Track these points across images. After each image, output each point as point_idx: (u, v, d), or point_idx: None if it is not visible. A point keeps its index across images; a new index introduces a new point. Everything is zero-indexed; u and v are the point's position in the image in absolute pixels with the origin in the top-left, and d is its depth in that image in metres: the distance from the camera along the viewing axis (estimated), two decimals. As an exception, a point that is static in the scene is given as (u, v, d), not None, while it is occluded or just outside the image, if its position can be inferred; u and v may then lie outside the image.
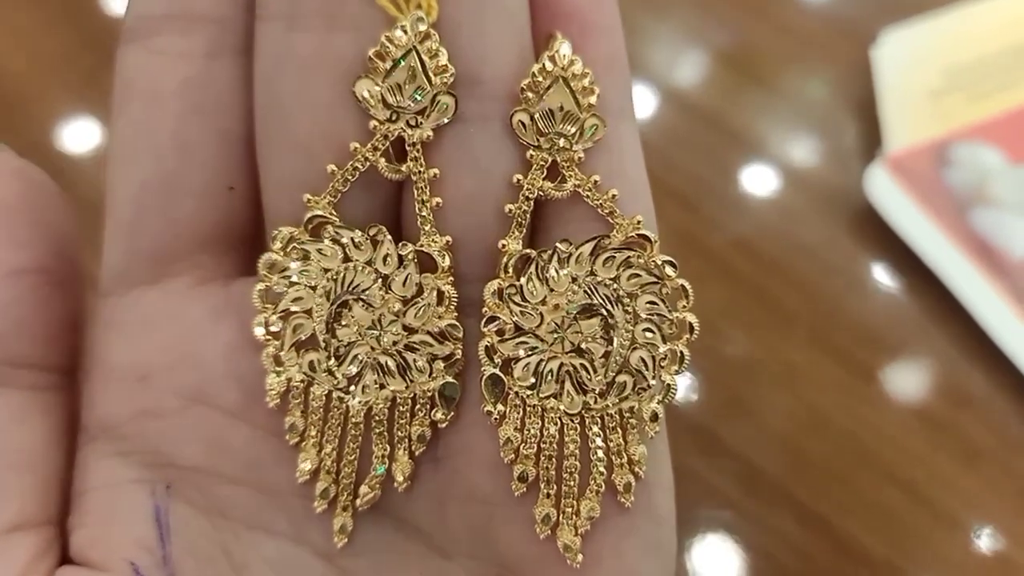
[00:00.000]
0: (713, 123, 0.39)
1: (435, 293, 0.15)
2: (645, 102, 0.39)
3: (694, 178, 0.38)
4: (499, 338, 0.16)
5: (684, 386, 0.31)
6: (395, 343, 0.16)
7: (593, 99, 0.15)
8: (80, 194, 0.38)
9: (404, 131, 0.15)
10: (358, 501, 0.16)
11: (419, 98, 0.15)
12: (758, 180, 0.38)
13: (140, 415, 0.16)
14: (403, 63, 0.15)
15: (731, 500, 0.31)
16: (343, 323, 0.16)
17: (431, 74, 0.15)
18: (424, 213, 0.15)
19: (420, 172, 0.15)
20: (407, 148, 0.15)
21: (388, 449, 0.16)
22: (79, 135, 0.40)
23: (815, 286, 0.35)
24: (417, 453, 0.16)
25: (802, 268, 0.35)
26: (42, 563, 0.16)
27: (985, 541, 0.30)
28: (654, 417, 0.16)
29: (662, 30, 0.42)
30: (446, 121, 0.15)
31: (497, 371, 0.16)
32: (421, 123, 0.15)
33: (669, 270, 0.16)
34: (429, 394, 0.16)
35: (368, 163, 0.15)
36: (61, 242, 0.16)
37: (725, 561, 0.30)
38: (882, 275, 0.35)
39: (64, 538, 0.16)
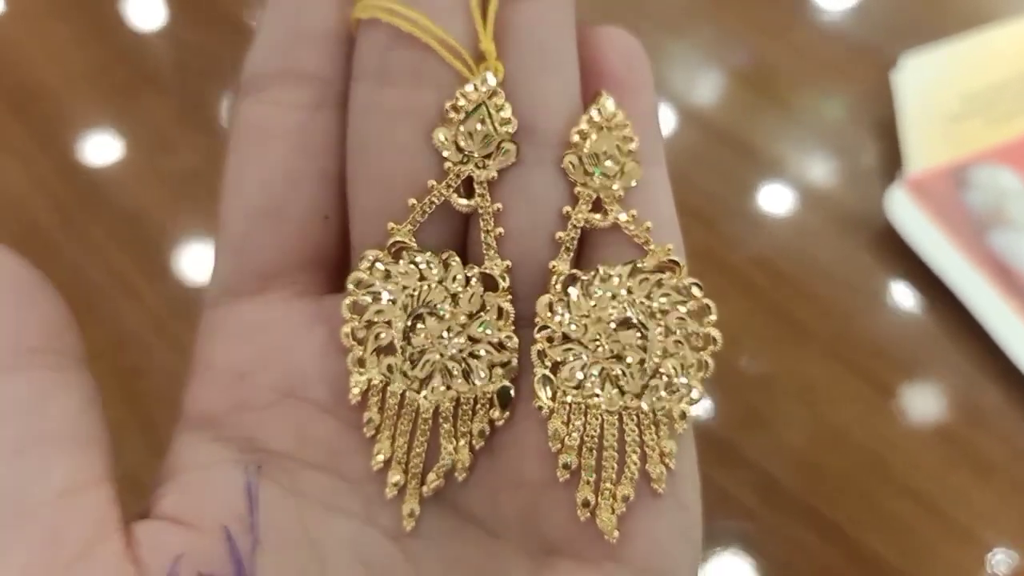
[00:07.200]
0: (732, 142, 0.42)
1: (496, 309, 0.19)
2: (665, 121, 0.42)
3: (713, 196, 0.41)
4: (549, 344, 0.19)
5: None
6: (461, 351, 0.19)
7: (632, 146, 0.19)
8: (111, 204, 0.41)
9: (473, 171, 0.19)
10: (424, 488, 0.19)
11: (487, 144, 0.19)
12: (777, 199, 0.40)
13: (238, 407, 0.19)
14: (474, 115, 0.19)
15: (748, 510, 0.33)
16: (417, 333, 0.19)
17: (497, 124, 0.19)
18: (488, 241, 0.19)
19: (486, 206, 0.19)
20: (475, 186, 0.19)
21: (454, 443, 0.19)
22: (110, 147, 0.43)
23: (834, 303, 0.38)
24: (477, 447, 0.19)
25: (821, 285, 0.38)
26: (109, 517, 0.18)
27: (999, 558, 0.32)
28: (682, 416, 0.19)
29: (681, 50, 0.45)
30: (509, 163, 0.19)
31: (547, 372, 0.19)
32: (487, 165, 0.19)
33: (695, 291, 0.19)
34: (488, 396, 0.19)
35: (442, 198, 0.19)
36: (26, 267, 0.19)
37: (742, 570, 0.32)
38: (900, 293, 0.38)
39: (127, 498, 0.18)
